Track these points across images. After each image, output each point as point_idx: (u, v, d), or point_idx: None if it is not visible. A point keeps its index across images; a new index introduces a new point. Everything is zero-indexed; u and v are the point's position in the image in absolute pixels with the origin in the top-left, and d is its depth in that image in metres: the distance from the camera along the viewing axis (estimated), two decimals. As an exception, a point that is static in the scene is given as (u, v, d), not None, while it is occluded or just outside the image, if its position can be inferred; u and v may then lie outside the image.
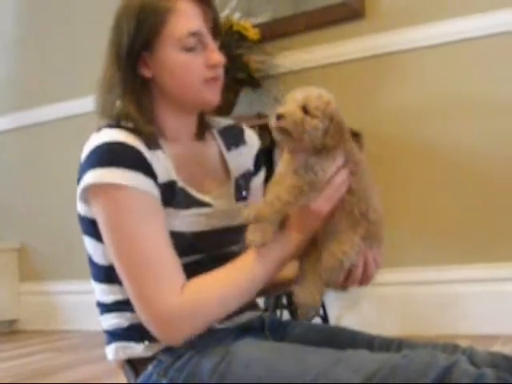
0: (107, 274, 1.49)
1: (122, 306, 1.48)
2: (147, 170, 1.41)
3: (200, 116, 1.60)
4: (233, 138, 1.68)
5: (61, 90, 4.22)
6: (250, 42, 3.19)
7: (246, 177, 1.67)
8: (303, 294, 1.46)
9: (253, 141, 1.72)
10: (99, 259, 1.50)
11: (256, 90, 3.33)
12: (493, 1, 2.98)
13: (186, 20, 1.48)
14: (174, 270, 1.42)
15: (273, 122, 1.37)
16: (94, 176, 1.39)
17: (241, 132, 1.71)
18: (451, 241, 3.03)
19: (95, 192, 1.41)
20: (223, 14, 3.02)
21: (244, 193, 1.65)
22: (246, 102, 3.26)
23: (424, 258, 3.07)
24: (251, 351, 1.39)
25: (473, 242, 2.97)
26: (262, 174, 1.74)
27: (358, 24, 3.25)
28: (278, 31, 3.41)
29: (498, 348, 2.50)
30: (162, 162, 1.46)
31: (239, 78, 2.99)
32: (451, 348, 1.43)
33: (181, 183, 1.48)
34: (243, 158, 1.68)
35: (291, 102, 1.38)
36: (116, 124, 1.47)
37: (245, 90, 3.25)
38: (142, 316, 1.41)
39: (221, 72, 1.53)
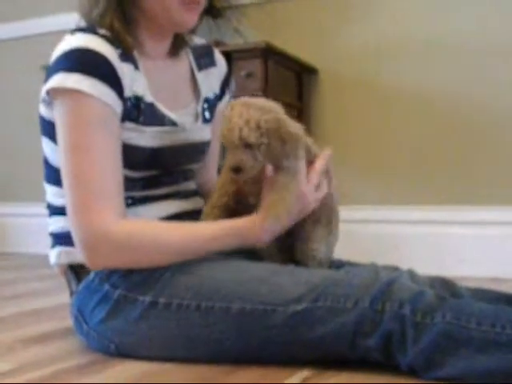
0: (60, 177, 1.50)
1: None
2: (114, 81, 1.42)
3: (176, 34, 1.59)
4: (204, 58, 1.69)
5: (19, 9, 4.10)
6: (214, -31, 3.14)
7: (213, 99, 1.68)
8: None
9: (222, 64, 1.75)
10: (55, 161, 1.50)
11: (216, 20, 3.28)
12: None
13: None
14: (116, 195, 1.42)
15: (232, 175, 1.42)
16: (59, 79, 1.39)
17: (211, 53, 1.72)
18: (401, 181, 3.06)
19: (58, 95, 1.41)
20: None
21: (207, 115, 1.65)
22: (204, 30, 3.22)
23: (373, 197, 3.10)
24: (196, 262, 1.41)
25: (422, 184, 3.01)
26: (226, 99, 1.75)
27: (321, -41, 3.21)
28: (242, -40, 3.35)
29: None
30: (133, 76, 1.46)
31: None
32: (392, 268, 1.47)
33: (150, 98, 1.49)
34: (212, 79, 1.69)
35: (235, 146, 1.39)
36: (91, 30, 1.45)
37: (204, 19, 3.21)
38: (73, 229, 1.41)
39: None
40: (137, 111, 1.46)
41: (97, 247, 1.38)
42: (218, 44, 2.91)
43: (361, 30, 3.13)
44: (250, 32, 3.31)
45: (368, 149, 3.14)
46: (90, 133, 1.39)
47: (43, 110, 1.49)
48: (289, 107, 2.85)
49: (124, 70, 1.44)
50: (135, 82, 1.47)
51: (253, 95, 1.50)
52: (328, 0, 3.21)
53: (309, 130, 2.85)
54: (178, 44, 1.62)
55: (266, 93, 2.82)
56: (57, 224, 1.54)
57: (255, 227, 1.40)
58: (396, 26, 3.05)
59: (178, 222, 1.48)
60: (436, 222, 2.95)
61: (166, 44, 1.59)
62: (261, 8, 3.32)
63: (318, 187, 1.47)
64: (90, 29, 1.46)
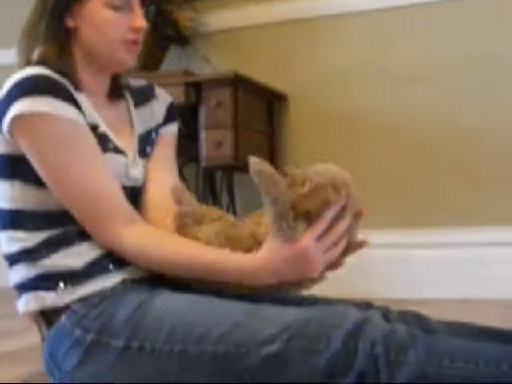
0: (12, 220, 1.47)
1: (28, 254, 1.45)
2: (75, 103, 1.41)
3: (114, 77, 1.60)
4: (142, 95, 1.68)
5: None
6: (180, -2, 3.14)
7: (153, 132, 1.66)
8: None
9: (164, 96, 1.72)
10: (4, 203, 1.47)
11: (184, 48, 3.28)
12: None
13: None
14: (118, 203, 1.43)
15: None
16: (20, 107, 1.36)
17: (151, 89, 1.71)
18: (372, 206, 3.06)
19: (23, 124, 1.38)
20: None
21: (148, 149, 1.64)
22: (173, 59, 3.17)
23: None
24: (166, 303, 1.39)
25: (395, 208, 3.04)
26: (172, 127, 1.72)
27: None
28: (206, -11, 3.33)
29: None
30: (86, 105, 1.45)
31: (168, 34, 2.95)
32: (365, 305, 1.45)
33: (103, 128, 1.48)
34: (152, 113, 1.67)
35: None
36: (41, 63, 1.44)
37: (173, 47, 3.21)
38: (96, 240, 1.43)
39: (141, 37, 1.56)
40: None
41: (118, 253, 1.42)
42: (187, 74, 2.91)
43: (328, 56, 3.14)
44: (218, 60, 3.28)
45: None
46: (71, 150, 1.38)
47: None
48: (260, 135, 2.87)
49: (79, 97, 1.44)
50: (89, 110, 1.47)
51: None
52: (294, 27, 3.21)
53: (280, 157, 2.86)
54: (115, 88, 1.63)
55: (237, 122, 2.82)
56: (18, 274, 1.49)
57: (256, 268, 1.40)
58: (361, 53, 3.12)
59: (185, 239, 1.45)
60: (399, 245, 2.96)
61: (106, 83, 1.58)
62: (228, 36, 3.23)
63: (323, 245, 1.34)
64: (39, 63, 1.45)
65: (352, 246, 1.39)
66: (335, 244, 1.35)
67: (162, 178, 1.65)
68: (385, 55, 3.05)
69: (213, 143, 2.77)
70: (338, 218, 1.33)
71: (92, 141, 1.43)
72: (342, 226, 1.35)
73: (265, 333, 1.28)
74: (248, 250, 1.38)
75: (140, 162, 1.60)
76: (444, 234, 2.94)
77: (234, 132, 2.88)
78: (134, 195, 1.60)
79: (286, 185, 1.31)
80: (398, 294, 2.63)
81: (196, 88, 2.89)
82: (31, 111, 1.36)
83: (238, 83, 2.90)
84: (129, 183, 1.56)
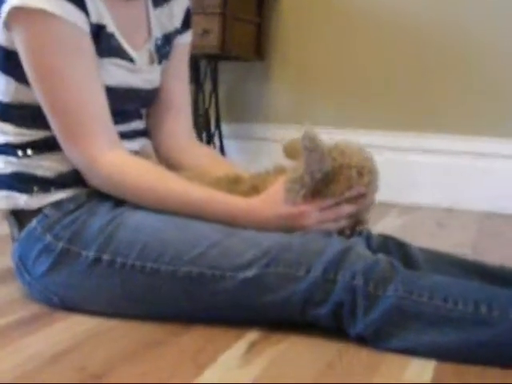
0: (3, 112, 1.42)
1: (11, 149, 1.41)
2: (80, 2, 1.33)
3: None
4: None
5: None
6: None
7: (170, 36, 1.59)
8: None
9: None
10: None
11: None
12: None
13: None
14: (102, 120, 1.37)
15: None
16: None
17: None
18: (357, 103, 3.03)
19: (20, 17, 1.30)
20: None
21: (165, 54, 1.58)
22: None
23: (334, 119, 3.06)
24: (142, 217, 1.35)
25: (386, 109, 3.01)
26: (188, 36, 1.66)
27: None
28: None
29: (392, 217, 2.61)
30: (97, 2, 1.37)
31: None
32: (349, 229, 1.42)
33: (112, 28, 1.41)
34: (171, 15, 1.60)
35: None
36: None
37: None
38: (66, 153, 1.38)
39: None
40: (98, 40, 1.38)
41: (88, 174, 1.37)
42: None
43: None
44: None
45: (326, 67, 3.08)
46: (62, 55, 1.31)
47: None
48: (248, 24, 2.77)
49: None
50: (98, 9, 1.38)
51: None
52: None
53: (268, 48, 2.76)
54: None
55: (225, 10, 2.72)
56: None
57: (250, 211, 1.35)
58: None
59: (166, 171, 1.42)
60: (392, 148, 2.94)
61: None
62: None
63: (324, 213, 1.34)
64: None
65: (359, 225, 1.39)
66: (334, 220, 1.34)
67: (178, 88, 1.65)
68: None
69: (199, 31, 2.67)
70: (351, 199, 1.33)
71: (90, 51, 1.35)
72: (349, 208, 1.34)
73: (242, 256, 1.25)
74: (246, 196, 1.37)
75: (157, 65, 1.54)
76: (435, 139, 2.90)
77: (222, 21, 2.78)
78: (151, 97, 1.56)
79: (329, 164, 1.29)
80: (384, 197, 2.61)
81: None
82: (33, 7, 1.28)
83: (228, -30, 2.77)
84: (144, 85, 1.51)
